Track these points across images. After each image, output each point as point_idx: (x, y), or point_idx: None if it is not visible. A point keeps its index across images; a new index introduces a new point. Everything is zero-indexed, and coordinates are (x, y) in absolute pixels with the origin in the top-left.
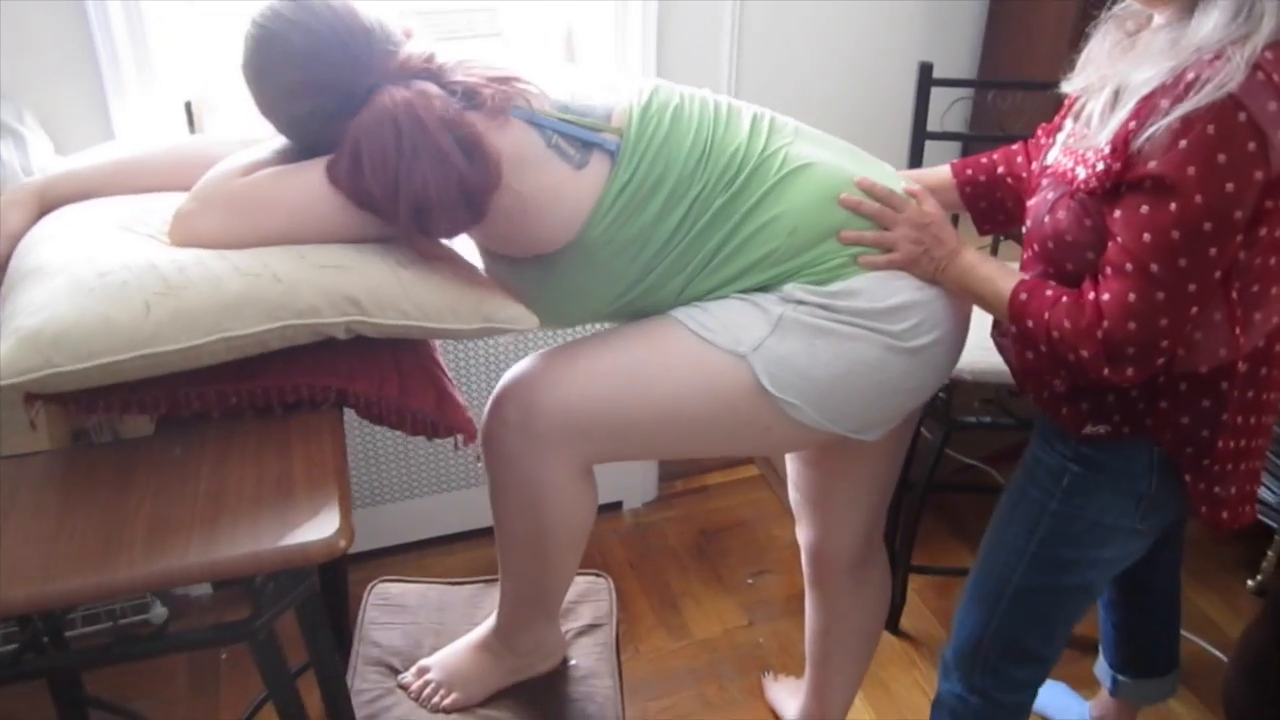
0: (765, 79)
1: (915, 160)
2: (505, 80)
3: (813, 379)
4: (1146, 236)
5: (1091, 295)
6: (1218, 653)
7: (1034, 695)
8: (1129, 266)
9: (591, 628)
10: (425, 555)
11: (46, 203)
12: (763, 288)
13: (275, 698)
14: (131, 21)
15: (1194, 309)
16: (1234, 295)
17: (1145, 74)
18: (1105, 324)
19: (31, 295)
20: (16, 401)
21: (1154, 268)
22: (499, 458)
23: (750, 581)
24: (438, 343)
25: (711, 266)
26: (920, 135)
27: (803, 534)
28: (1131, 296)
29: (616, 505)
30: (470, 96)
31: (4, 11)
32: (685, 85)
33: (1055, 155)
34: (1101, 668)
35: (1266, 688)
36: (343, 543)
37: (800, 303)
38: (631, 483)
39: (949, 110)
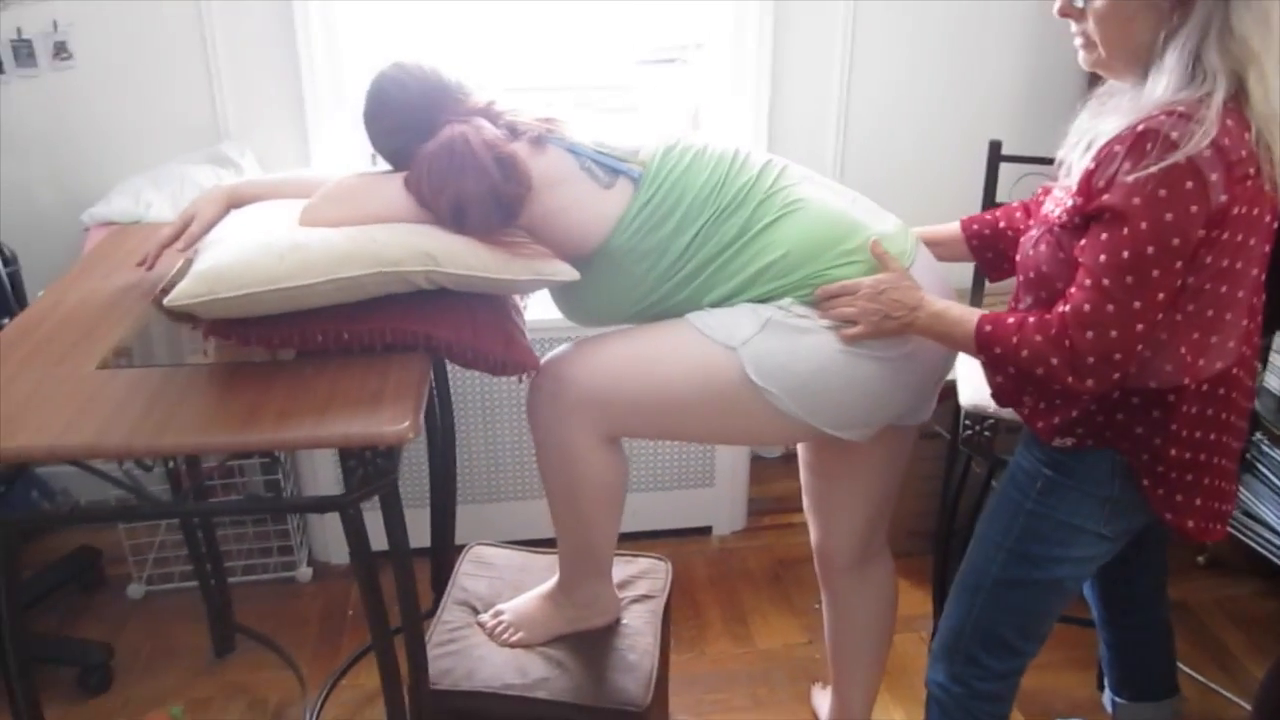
0: (868, 157)
1: None
2: (544, 120)
3: (792, 372)
4: (1102, 257)
5: (1057, 309)
6: None
7: (1012, 685)
8: (1087, 282)
9: (645, 598)
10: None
11: (234, 202)
12: (761, 300)
13: (355, 561)
14: (335, 77)
15: (1140, 325)
16: (1179, 318)
17: (1110, 126)
18: (1070, 332)
19: (208, 254)
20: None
21: (1105, 282)
22: (536, 423)
23: (816, 607)
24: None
25: (717, 280)
26: (991, 205)
27: (811, 537)
28: (1086, 307)
29: (706, 530)
30: (514, 129)
31: (235, 63)
32: (726, 141)
33: (1047, 206)
34: (1106, 693)
35: None
36: (411, 434)
37: (787, 310)
38: (722, 512)
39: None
